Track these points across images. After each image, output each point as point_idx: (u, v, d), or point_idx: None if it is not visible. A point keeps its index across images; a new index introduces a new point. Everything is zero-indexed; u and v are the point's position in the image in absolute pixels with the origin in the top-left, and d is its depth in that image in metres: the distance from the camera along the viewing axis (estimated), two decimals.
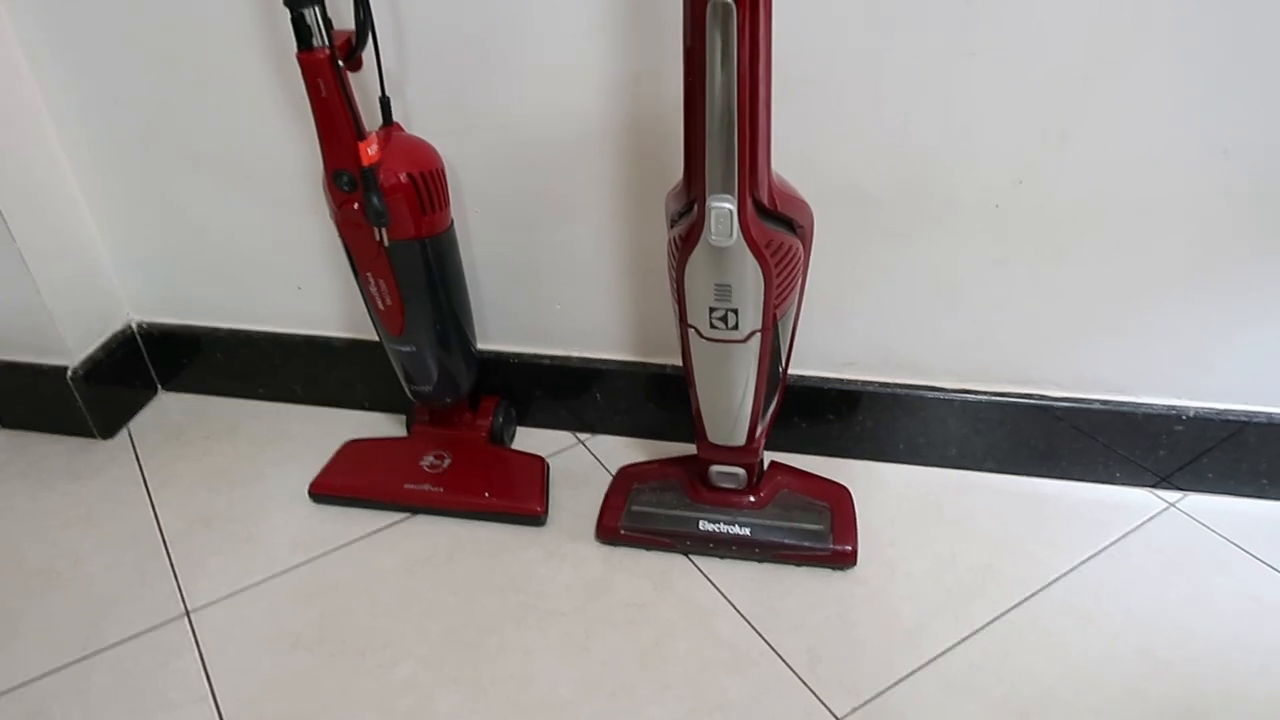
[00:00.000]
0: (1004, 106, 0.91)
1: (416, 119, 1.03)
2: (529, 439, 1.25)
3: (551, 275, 1.14)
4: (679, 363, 1.16)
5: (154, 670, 0.96)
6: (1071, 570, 1.03)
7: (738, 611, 0.99)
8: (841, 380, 1.14)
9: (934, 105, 0.92)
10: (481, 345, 1.18)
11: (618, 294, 1.14)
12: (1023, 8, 0.85)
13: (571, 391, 1.22)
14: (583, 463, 1.21)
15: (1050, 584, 1.01)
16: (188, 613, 1.02)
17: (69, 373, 1.22)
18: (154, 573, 1.07)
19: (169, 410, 1.34)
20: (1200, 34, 0.84)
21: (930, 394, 1.11)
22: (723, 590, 1.02)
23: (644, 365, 1.19)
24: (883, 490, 1.13)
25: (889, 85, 0.92)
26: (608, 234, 1.09)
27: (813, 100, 0.92)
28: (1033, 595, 1.00)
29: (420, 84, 1.01)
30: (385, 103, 0.95)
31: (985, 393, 1.10)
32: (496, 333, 1.20)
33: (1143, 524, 1.08)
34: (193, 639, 0.99)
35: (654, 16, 0.92)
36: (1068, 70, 0.88)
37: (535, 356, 1.21)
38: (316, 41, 0.83)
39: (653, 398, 1.21)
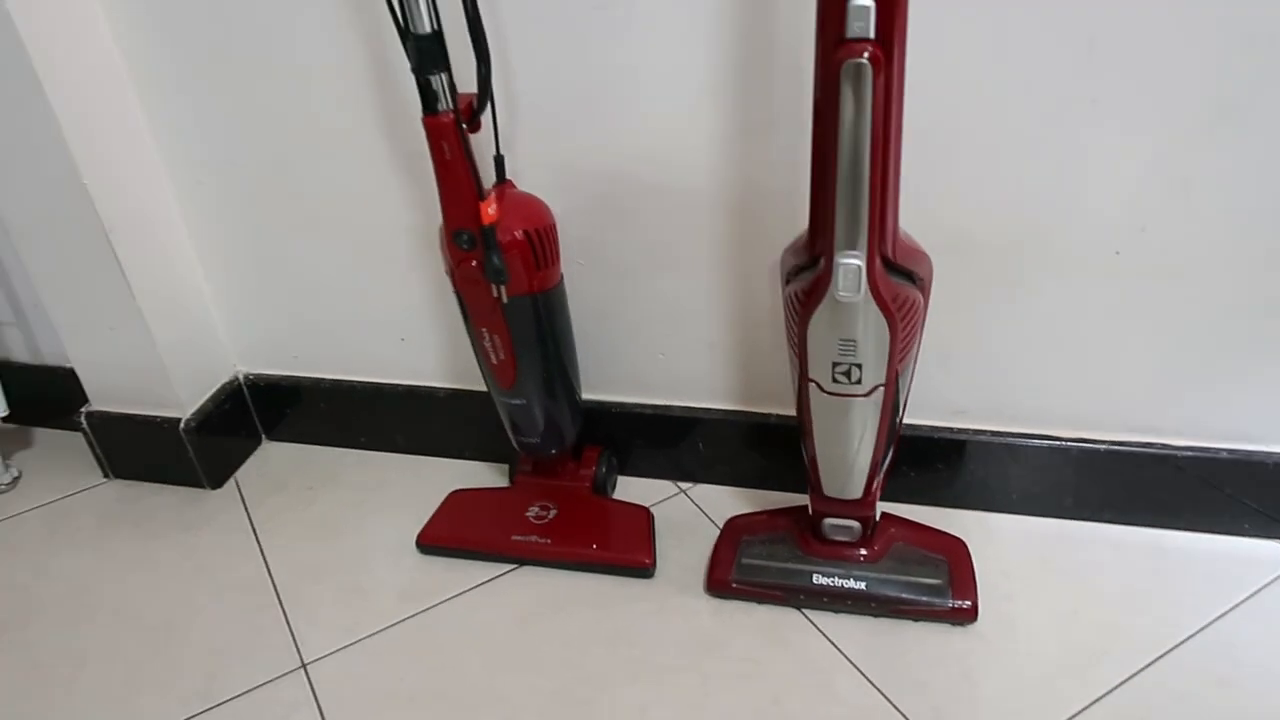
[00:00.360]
0: (1126, 153, 0.89)
1: (525, 174, 1.04)
2: (630, 488, 1.24)
3: (655, 326, 1.14)
4: (782, 412, 1.16)
5: None
6: (1203, 629, 0.99)
7: (856, 668, 0.97)
8: (952, 429, 1.12)
9: (1053, 152, 0.91)
10: (584, 395, 1.18)
11: (720, 344, 1.14)
12: (1147, 55, 0.84)
13: (673, 441, 1.22)
14: (685, 512, 1.20)
15: (1181, 643, 0.97)
16: (304, 665, 1.03)
17: (181, 424, 1.25)
18: (268, 624, 1.09)
19: (273, 460, 1.37)
20: None
21: (1045, 443, 1.09)
22: (839, 645, 1.00)
23: (746, 414, 1.18)
24: (996, 542, 1.11)
25: (1007, 132, 0.91)
26: (711, 285, 1.09)
27: (929, 148, 0.91)
28: (1163, 655, 0.96)
29: (530, 140, 1.03)
30: (500, 161, 0.96)
31: (1103, 441, 1.07)
32: (599, 382, 1.20)
33: (1275, 579, 1.04)
34: (310, 693, 1.00)
35: (765, 72, 0.92)
36: (1193, 117, 0.86)
37: (638, 406, 1.21)
38: (442, 106, 0.85)
39: (755, 447, 1.20)
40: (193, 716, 0.98)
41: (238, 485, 1.32)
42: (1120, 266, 0.96)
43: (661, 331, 1.14)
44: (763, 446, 1.19)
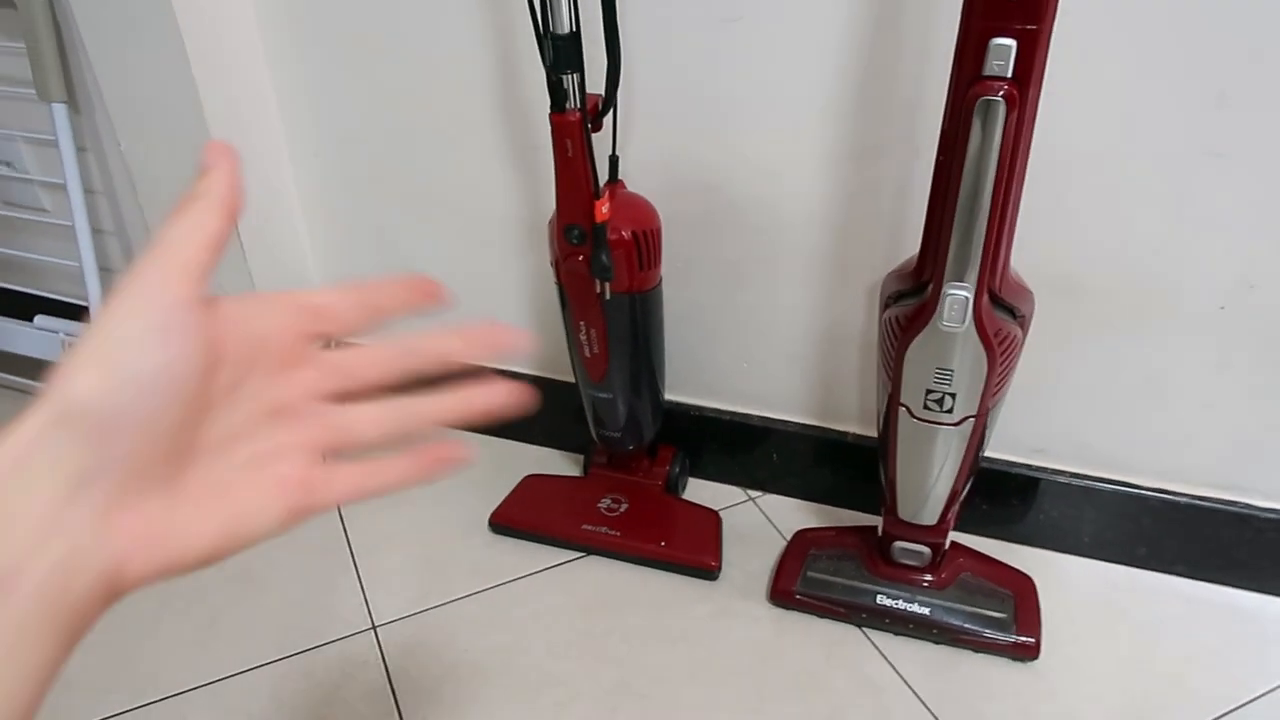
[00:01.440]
0: (1243, 210, 0.89)
1: (636, 176, 1.06)
2: (700, 490, 1.26)
3: (742, 335, 1.16)
4: (858, 431, 1.17)
5: (342, 681, 1.01)
6: (1270, 692, 0.98)
7: (913, 692, 0.98)
8: (1030, 466, 1.12)
9: (1167, 202, 0.91)
10: (666, 395, 1.20)
11: (805, 359, 1.15)
12: (1272, 116, 0.83)
13: (746, 448, 1.23)
14: (753, 520, 1.22)
15: (1246, 704, 0.97)
16: (374, 627, 1.07)
17: None
18: (343, 585, 1.13)
19: None
20: None
21: (1123, 489, 1.08)
22: (897, 668, 1.01)
23: (822, 430, 1.20)
24: (1064, 583, 1.11)
25: (1122, 178, 0.91)
26: (802, 301, 1.11)
27: (1044, 187, 0.92)
28: (1227, 714, 0.96)
29: (644, 143, 1.05)
30: (614, 161, 0.99)
31: (1184, 494, 1.07)
32: (681, 384, 1.22)
33: None
34: (379, 654, 1.03)
35: (882, 99, 0.94)
36: None
37: (716, 411, 1.23)
38: (570, 105, 0.87)
39: (827, 463, 1.21)
40: (266, 664, 1.03)
41: None
42: (1223, 322, 0.95)
43: (748, 341, 1.16)
44: (835, 463, 1.20)
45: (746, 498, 1.25)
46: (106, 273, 1.40)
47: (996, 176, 0.73)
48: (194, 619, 1.08)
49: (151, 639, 1.06)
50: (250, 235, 1.21)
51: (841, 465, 1.20)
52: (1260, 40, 0.81)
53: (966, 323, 0.80)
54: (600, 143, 0.98)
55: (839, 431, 1.19)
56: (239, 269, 1.22)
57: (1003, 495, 1.13)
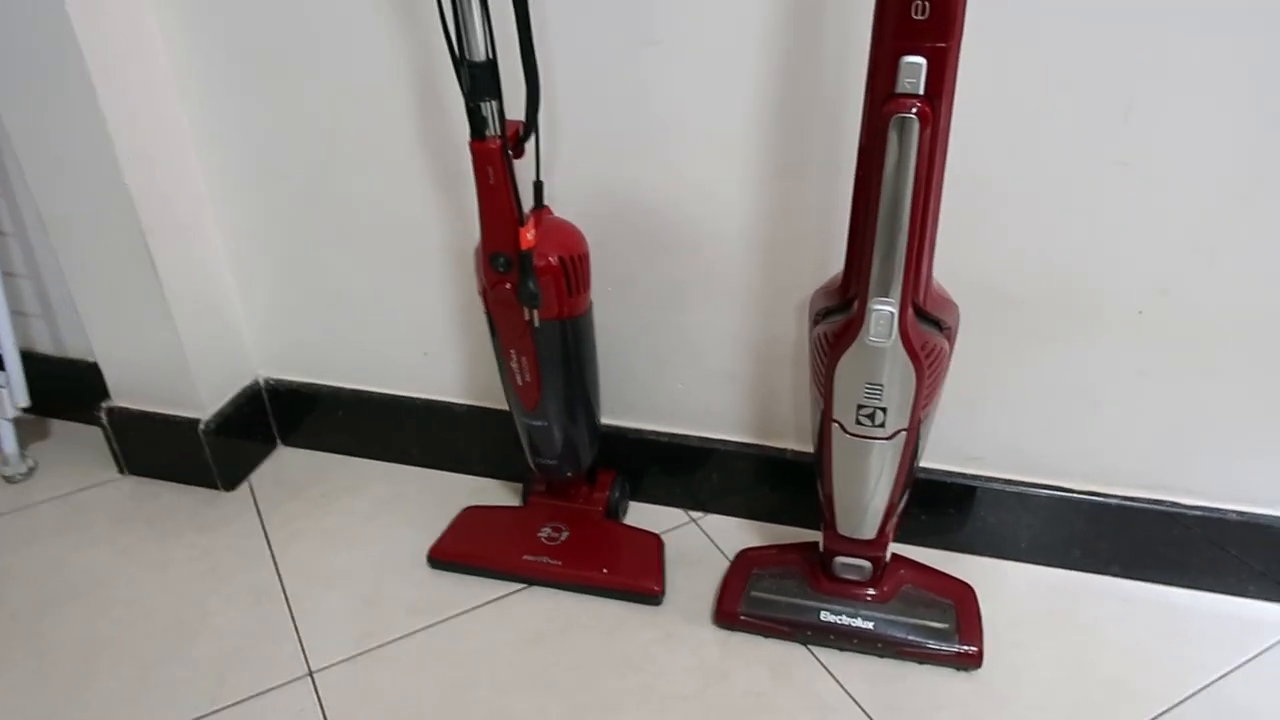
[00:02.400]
0: (1154, 218, 0.91)
1: (562, 200, 1.06)
2: (641, 514, 1.26)
3: (676, 356, 1.16)
4: (796, 447, 1.18)
5: None
6: (1205, 687, 1.00)
7: (860, 707, 0.98)
8: (966, 475, 1.13)
9: (1082, 211, 0.93)
10: (603, 419, 1.19)
11: (740, 378, 1.15)
12: (1181, 125, 0.86)
13: (687, 469, 1.23)
14: (695, 542, 1.21)
15: (1183, 701, 0.99)
16: (311, 673, 1.04)
17: (201, 426, 1.26)
18: (277, 630, 1.09)
19: (288, 465, 1.38)
20: None
21: (1056, 494, 1.10)
22: (843, 684, 1.01)
23: (761, 448, 1.20)
24: (1003, 589, 1.12)
25: (1038, 190, 0.93)
26: (735, 320, 1.11)
27: (959, 201, 0.93)
28: (1166, 712, 0.97)
29: (567, 168, 1.05)
30: (539, 187, 0.98)
31: (1114, 496, 1.09)
32: (618, 408, 1.22)
33: (1277, 643, 1.05)
34: (317, 701, 1.00)
35: (804, 118, 0.94)
36: (1222, 187, 0.88)
37: (654, 433, 1.22)
38: (490, 132, 0.87)
39: (767, 481, 1.21)
40: (200, 718, 0.99)
41: (251, 489, 1.33)
42: (1142, 327, 0.97)
43: (683, 362, 1.16)
44: (775, 481, 1.20)
45: (688, 519, 1.25)
46: (20, 315, 1.36)
47: (914, 191, 0.74)
48: (123, 674, 1.04)
49: (79, 696, 1.01)
50: (170, 275, 1.17)
51: (782, 482, 1.20)
52: (1163, 53, 0.83)
53: (893, 337, 0.81)
54: (525, 169, 0.97)
55: (778, 449, 1.19)
56: (158, 309, 1.18)
57: (941, 505, 1.14)
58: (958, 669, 1.02)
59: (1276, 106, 0.83)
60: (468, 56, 0.84)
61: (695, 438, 1.21)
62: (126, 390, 1.30)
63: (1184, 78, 0.84)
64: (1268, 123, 0.84)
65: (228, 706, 1.00)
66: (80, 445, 1.41)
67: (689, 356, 1.15)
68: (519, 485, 1.29)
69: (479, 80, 0.84)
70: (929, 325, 0.84)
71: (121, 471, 1.36)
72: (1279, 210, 0.88)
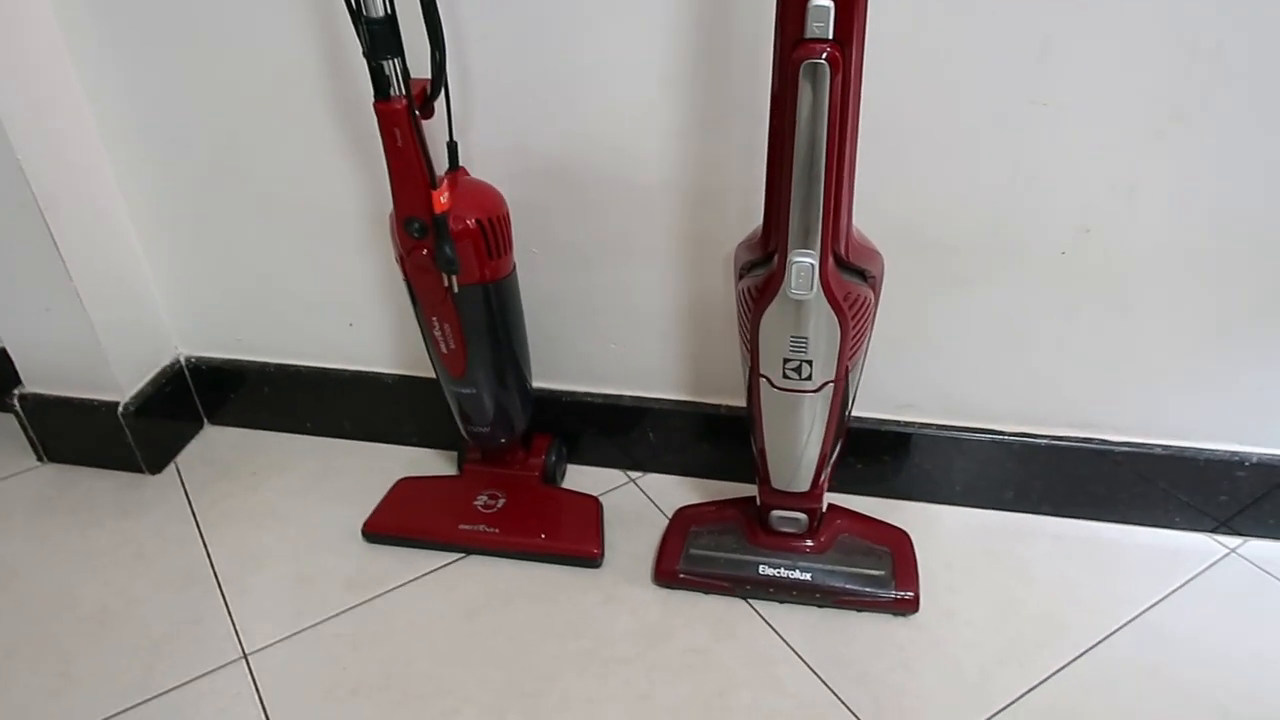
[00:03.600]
0: (1073, 157, 0.91)
1: (479, 161, 1.02)
2: (579, 477, 1.24)
3: (607, 315, 1.14)
4: (731, 403, 1.17)
5: (214, 716, 0.95)
6: (1135, 618, 1.02)
7: (801, 659, 0.99)
8: (899, 422, 1.13)
9: (1002, 154, 0.92)
10: (535, 383, 1.17)
11: (672, 336, 1.14)
12: (1097, 62, 0.85)
13: (623, 430, 1.22)
14: (635, 502, 1.20)
15: (1114, 632, 1.00)
16: (245, 656, 1.02)
17: (120, 408, 1.22)
18: (209, 613, 1.07)
19: (215, 445, 1.34)
20: (1272, 91, 0.83)
21: (988, 437, 1.11)
22: (784, 636, 1.01)
23: (696, 405, 1.19)
24: (939, 533, 1.13)
25: (957, 133, 0.92)
26: (665, 277, 1.09)
27: (880, 148, 0.92)
28: (1097, 644, 0.99)
29: (484, 127, 1.01)
30: (453, 147, 0.95)
31: (1044, 436, 1.10)
32: (550, 371, 1.20)
33: (1204, 570, 1.07)
34: (252, 684, 0.98)
35: (722, 66, 0.92)
36: (1140, 124, 0.88)
37: (588, 395, 1.21)
38: (394, 92, 0.83)
39: (705, 437, 1.20)
40: (130, 708, 0.96)
41: (178, 470, 1.29)
42: (1065, 267, 0.98)
43: (613, 321, 1.14)
44: (712, 437, 1.20)
45: (627, 479, 1.24)
46: None
47: (829, 139, 0.72)
48: (45, 668, 1.01)
49: (1, 691, 0.98)
50: (74, 253, 1.12)
51: (718, 438, 1.20)
52: None
53: (814, 289, 0.80)
54: (439, 130, 0.94)
55: (712, 405, 1.18)
56: (63, 289, 1.13)
57: (875, 453, 1.15)
58: (895, 614, 1.03)
59: (1191, 41, 0.83)
60: (365, 12, 0.80)
61: (630, 397, 1.20)
62: (39, 375, 1.25)
63: (1099, 15, 0.83)
64: (1183, 58, 0.84)
65: (158, 695, 0.98)
66: None
67: (620, 315, 1.14)
68: (454, 454, 1.27)
69: (378, 37, 0.80)
70: (852, 275, 0.83)
71: (40, 459, 1.31)
72: (1196, 146, 0.88)
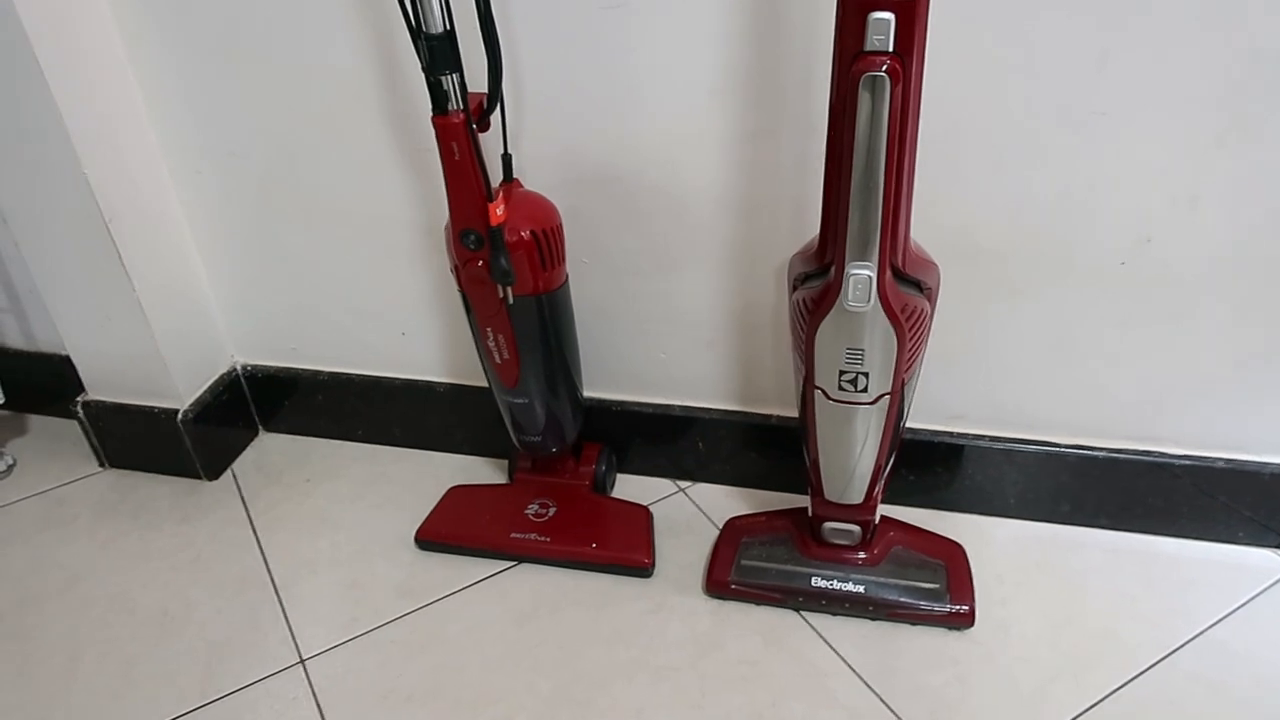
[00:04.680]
0: (1134, 167, 0.90)
1: (532, 172, 1.03)
2: (628, 486, 1.25)
3: (657, 325, 1.14)
4: (782, 413, 1.17)
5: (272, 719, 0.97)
6: (1197, 636, 1.00)
7: (854, 672, 0.98)
8: (952, 433, 1.12)
9: (1060, 163, 0.91)
10: (585, 392, 1.18)
11: (721, 345, 1.14)
12: (1157, 72, 0.84)
13: (672, 439, 1.22)
14: (684, 511, 1.20)
15: (1175, 650, 0.99)
16: (302, 661, 1.03)
17: (179, 415, 1.25)
18: (266, 618, 1.08)
19: (270, 452, 1.36)
20: None
21: (1043, 449, 1.10)
22: (836, 649, 1.01)
23: (745, 415, 1.18)
24: (992, 546, 1.11)
25: (1015, 143, 0.91)
26: (714, 287, 1.09)
27: (937, 157, 0.91)
28: (1157, 662, 0.97)
29: (536, 138, 1.02)
30: (507, 160, 0.96)
31: (1101, 449, 1.08)
32: (600, 380, 1.20)
33: (1269, 587, 1.05)
34: (309, 689, 1.00)
35: (774, 78, 0.92)
36: (1201, 134, 0.86)
37: (638, 404, 1.21)
38: (452, 106, 0.84)
39: (753, 447, 1.20)
40: (190, 711, 0.98)
41: (234, 477, 1.32)
42: (1125, 277, 0.96)
43: (663, 331, 1.14)
44: (762, 447, 1.19)
45: (676, 489, 1.24)
46: None
47: (888, 151, 0.72)
48: (109, 669, 1.03)
49: (64, 694, 1.01)
50: (137, 263, 1.15)
51: (768, 448, 1.19)
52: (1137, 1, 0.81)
53: (872, 301, 0.79)
54: (493, 142, 0.95)
55: (762, 415, 1.18)
56: (127, 299, 1.16)
57: (928, 464, 1.14)
58: (950, 628, 1.02)
59: (1250, 49, 0.81)
60: (424, 29, 0.81)
61: (679, 407, 1.20)
62: (102, 383, 1.28)
63: (1156, 24, 0.82)
64: (1242, 66, 0.82)
65: (218, 699, 0.99)
66: (59, 440, 1.39)
67: (670, 325, 1.14)
68: (504, 462, 1.28)
69: (437, 53, 0.81)
70: (909, 287, 0.83)
71: (102, 465, 1.34)
72: (1256, 155, 0.86)
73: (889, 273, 0.79)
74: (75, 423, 1.32)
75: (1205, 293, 0.96)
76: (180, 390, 1.25)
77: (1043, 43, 0.85)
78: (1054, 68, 0.86)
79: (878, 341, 0.83)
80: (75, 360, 1.27)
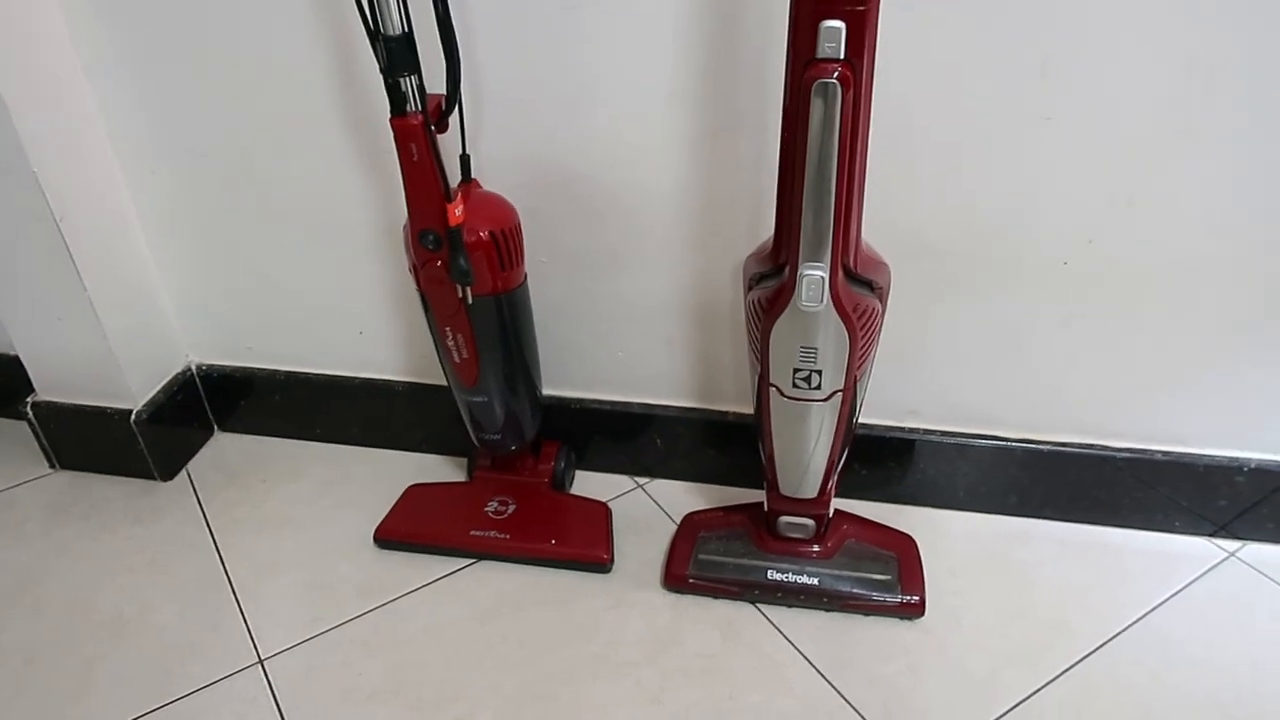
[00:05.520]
0: (1076, 170, 0.93)
1: (490, 173, 1.04)
2: (588, 482, 1.26)
3: (615, 323, 1.15)
4: (739, 410, 1.19)
5: None
6: (1138, 621, 1.04)
7: (809, 663, 1.00)
8: (904, 429, 1.15)
9: (1007, 166, 0.94)
10: (544, 390, 1.19)
11: (679, 343, 1.15)
12: (1096, 78, 0.87)
13: (631, 436, 1.23)
14: (643, 507, 1.22)
15: (1117, 635, 1.02)
16: (261, 661, 1.03)
17: (132, 416, 1.23)
18: (224, 619, 1.08)
19: (226, 452, 1.35)
20: (1268, 102, 0.85)
21: (992, 443, 1.13)
22: (792, 640, 1.03)
23: (703, 412, 1.20)
24: (944, 538, 1.14)
25: (963, 145, 0.94)
26: (672, 285, 1.11)
27: (887, 158, 0.93)
28: (1101, 646, 1.01)
29: (495, 139, 1.03)
30: (465, 160, 0.96)
31: (1047, 442, 1.12)
32: (559, 378, 1.21)
33: (1205, 573, 1.09)
34: (268, 688, 1.00)
35: (730, 79, 0.94)
36: (1140, 137, 0.90)
37: (597, 402, 1.22)
38: (410, 107, 0.85)
39: (711, 444, 1.22)
40: (148, 712, 0.98)
41: (190, 477, 1.30)
42: (1068, 276, 0.99)
43: (622, 329, 1.16)
44: (719, 443, 1.21)
45: (635, 485, 1.25)
46: None
47: (840, 156, 0.74)
48: (65, 671, 1.02)
49: (17, 694, 0.99)
50: (89, 263, 1.13)
51: (725, 444, 1.21)
52: (1076, 8, 0.84)
53: (824, 301, 0.81)
54: (451, 142, 0.95)
55: (720, 412, 1.20)
56: (78, 299, 1.14)
57: (881, 459, 1.16)
58: (902, 618, 1.04)
59: (1186, 59, 0.84)
60: (382, 31, 0.81)
61: (638, 404, 1.22)
62: (53, 383, 1.26)
63: (1095, 34, 0.85)
64: (1177, 75, 0.85)
65: (176, 700, 0.99)
66: (8, 441, 1.37)
67: (628, 323, 1.15)
68: (464, 460, 1.28)
69: (395, 55, 0.82)
70: (860, 287, 0.85)
71: (53, 466, 1.33)
72: (1191, 159, 0.90)
73: (841, 273, 0.81)
74: (24, 424, 1.30)
75: (1144, 292, 0.99)
76: (134, 390, 1.23)
77: (988, 50, 0.87)
78: (999, 74, 0.88)
79: (830, 340, 0.85)
80: (25, 360, 1.25)
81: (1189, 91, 0.86)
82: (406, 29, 0.82)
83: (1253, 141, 0.88)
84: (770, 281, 0.85)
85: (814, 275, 0.80)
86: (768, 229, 0.88)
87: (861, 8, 0.68)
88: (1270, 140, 0.87)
